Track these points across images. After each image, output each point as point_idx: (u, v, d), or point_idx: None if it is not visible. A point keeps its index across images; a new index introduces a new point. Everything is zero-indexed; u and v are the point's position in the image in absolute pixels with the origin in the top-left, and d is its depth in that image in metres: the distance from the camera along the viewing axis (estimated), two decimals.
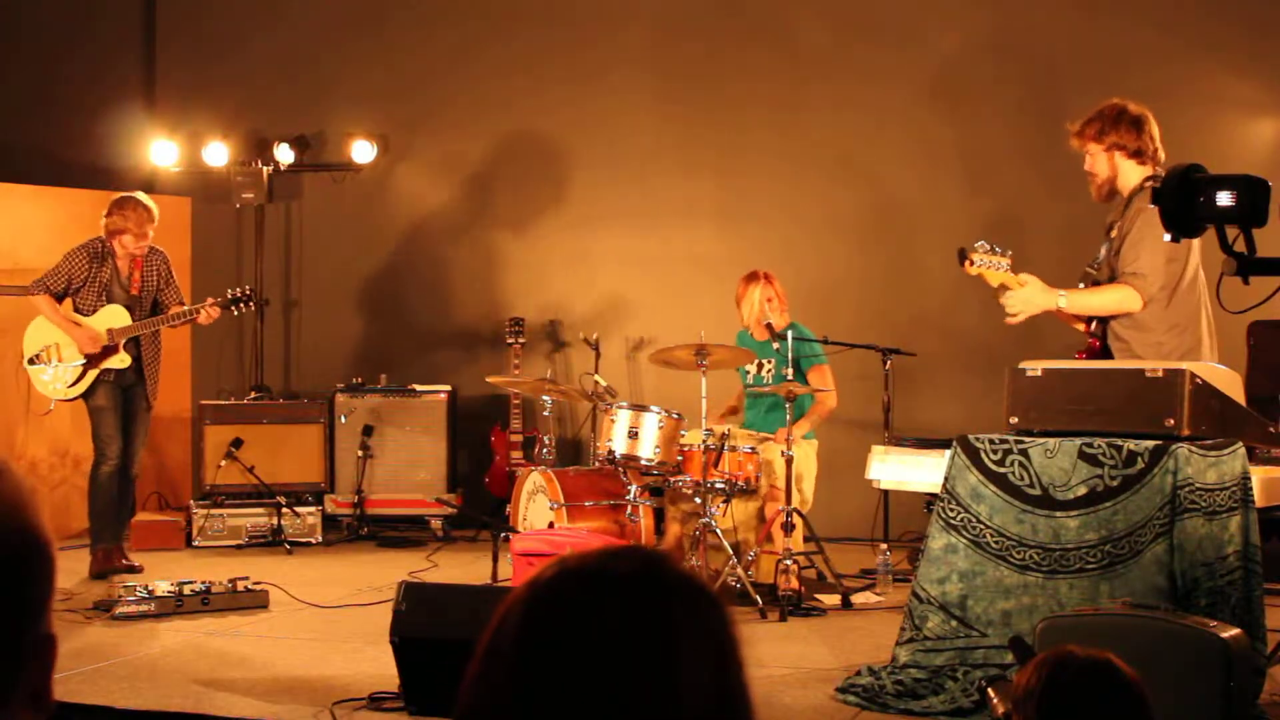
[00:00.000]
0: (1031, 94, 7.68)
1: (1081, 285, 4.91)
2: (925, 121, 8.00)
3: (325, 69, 9.00)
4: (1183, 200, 3.11)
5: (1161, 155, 4.84)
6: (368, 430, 8.11)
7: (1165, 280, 4.74)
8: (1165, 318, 4.76)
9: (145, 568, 6.65)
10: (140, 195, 6.77)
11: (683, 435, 6.12)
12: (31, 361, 6.68)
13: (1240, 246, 3.08)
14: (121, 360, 6.66)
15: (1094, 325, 4.92)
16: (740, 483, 5.98)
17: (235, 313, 7.08)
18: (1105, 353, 4.89)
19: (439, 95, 8.84)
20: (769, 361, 6.58)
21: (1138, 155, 4.80)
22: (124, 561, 6.63)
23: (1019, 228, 7.50)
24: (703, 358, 6.05)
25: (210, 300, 6.78)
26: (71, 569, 6.48)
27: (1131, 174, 4.83)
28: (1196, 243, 4.75)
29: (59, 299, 6.61)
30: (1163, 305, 4.76)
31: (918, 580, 4.48)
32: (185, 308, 6.75)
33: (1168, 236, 3.20)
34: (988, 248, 4.73)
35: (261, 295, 8.68)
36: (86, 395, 6.64)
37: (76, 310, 6.65)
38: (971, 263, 4.71)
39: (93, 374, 6.62)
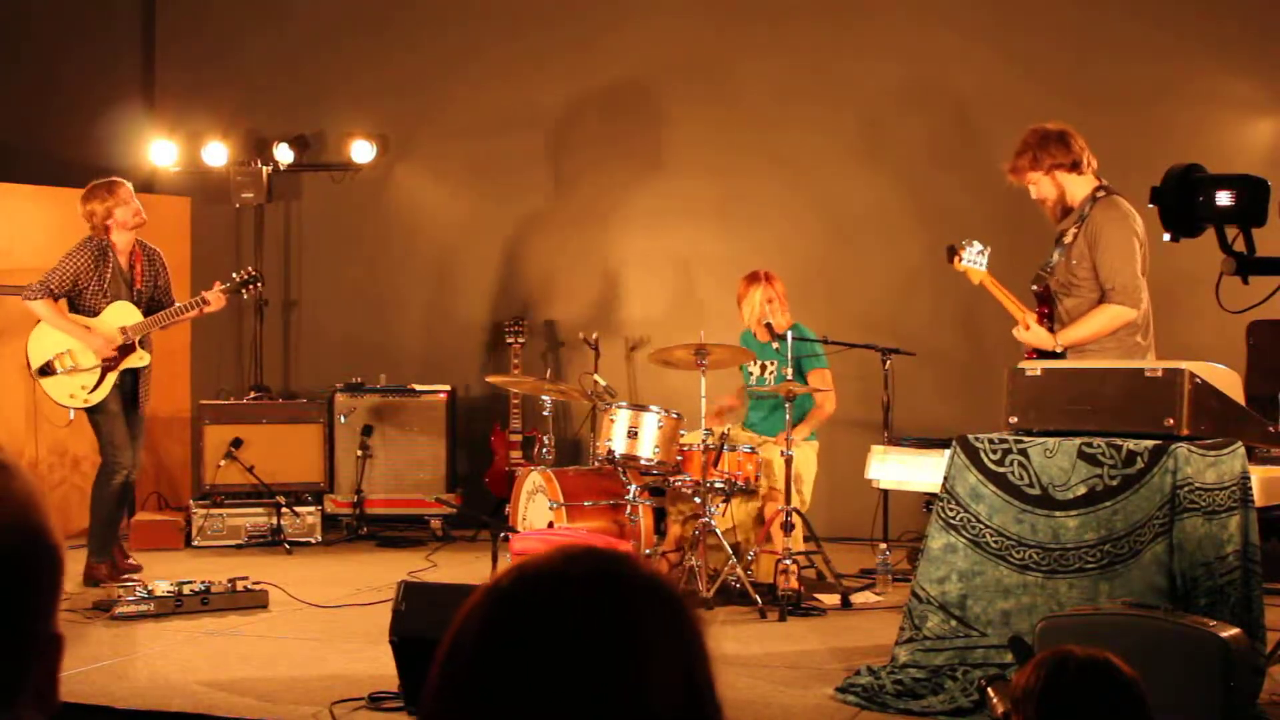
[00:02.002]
0: (1043, 94, 7.69)
1: (1034, 287, 5.17)
2: (933, 115, 8.01)
3: (325, 69, 9.00)
4: (1182, 200, 3.12)
5: (1094, 162, 5.10)
6: (367, 430, 8.11)
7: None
8: None
9: (144, 567, 6.60)
10: (105, 180, 6.40)
11: (682, 435, 6.12)
12: (43, 372, 6.28)
13: (1240, 246, 3.08)
14: (140, 358, 6.36)
15: (1045, 324, 5.13)
16: (740, 483, 5.98)
17: (244, 295, 6.87)
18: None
19: (439, 95, 8.85)
20: (771, 363, 6.58)
21: (1075, 167, 5.06)
22: (127, 562, 6.52)
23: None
24: (703, 357, 6.05)
25: (217, 285, 6.54)
26: (72, 570, 6.48)
27: (1076, 185, 5.08)
28: (1146, 245, 5.02)
29: (56, 300, 6.24)
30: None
31: (917, 580, 4.48)
32: (193, 298, 6.51)
33: (1166, 236, 3.21)
34: (971, 245, 5.10)
35: (261, 294, 8.68)
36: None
37: (79, 312, 6.29)
38: (961, 259, 5.11)
39: (112, 377, 6.29)
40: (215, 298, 6.47)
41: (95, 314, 6.33)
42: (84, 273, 6.27)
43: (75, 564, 6.54)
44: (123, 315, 6.36)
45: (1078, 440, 4.26)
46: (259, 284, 6.87)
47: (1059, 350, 5.03)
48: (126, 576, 6.23)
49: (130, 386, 6.45)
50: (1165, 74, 7.57)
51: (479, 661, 1.06)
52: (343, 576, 6.60)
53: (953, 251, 5.14)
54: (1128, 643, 3.07)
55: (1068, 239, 5.05)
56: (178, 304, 6.50)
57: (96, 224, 6.32)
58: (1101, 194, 5.03)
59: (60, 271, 6.25)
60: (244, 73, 9.10)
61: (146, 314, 6.42)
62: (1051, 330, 5.08)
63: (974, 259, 5.10)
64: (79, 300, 6.32)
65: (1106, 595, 4.04)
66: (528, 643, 1.05)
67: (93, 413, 6.35)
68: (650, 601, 1.09)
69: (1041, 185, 5.10)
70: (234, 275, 6.77)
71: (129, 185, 6.44)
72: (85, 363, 6.29)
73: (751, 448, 6.12)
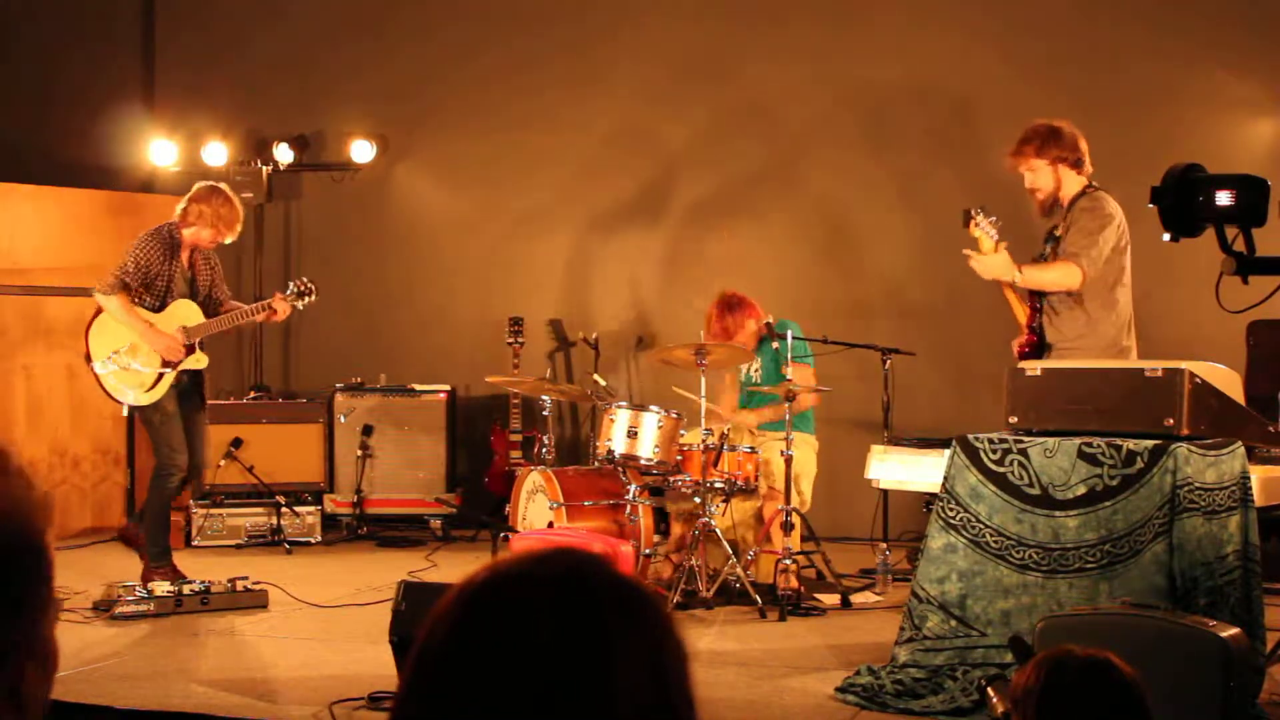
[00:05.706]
0: (1055, 90, 7.69)
1: None
2: (934, 116, 8.01)
3: (325, 69, 9.00)
4: (1182, 200, 3.12)
5: (1091, 167, 5.21)
6: (367, 430, 8.11)
7: (1107, 274, 5.08)
8: (1103, 308, 5.10)
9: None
10: (226, 190, 6.26)
11: (682, 435, 6.12)
12: (104, 362, 6.11)
13: (1240, 246, 3.08)
14: (198, 360, 6.18)
15: (1035, 320, 5.23)
16: (739, 482, 5.99)
17: (300, 306, 6.46)
18: (1043, 344, 5.20)
19: (439, 95, 8.84)
20: (757, 359, 6.61)
21: (1077, 165, 5.19)
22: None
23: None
24: (703, 357, 6.05)
25: (278, 294, 6.32)
26: (71, 569, 6.47)
27: (1073, 183, 5.20)
28: (1128, 242, 5.13)
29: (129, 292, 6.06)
30: (1103, 299, 5.10)
31: (917, 580, 4.48)
32: (257, 303, 6.34)
33: (1166, 236, 3.21)
34: (988, 216, 5.18)
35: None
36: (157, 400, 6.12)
37: (143, 305, 6.10)
38: (976, 224, 5.17)
39: (170, 376, 6.10)
40: (282, 307, 6.30)
41: (160, 309, 6.15)
42: (154, 263, 6.09)
43: (74, 564, 6.53)
44: (185, 314, 6.19)
45: (1077, 440, 4.26)
46: (314, 295, 6.49)
47: (1018, 279, 5.09)
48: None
49: (190, 387, 6.25)
50: (1165, 75, 7.57)
51: (448, 662, 1.07)
52: (343, 576, 6.60)
53: (968, 216, 5.21)
54: (1128, 643, 3.06)
55: (1058, 233, 5.18)
56: (242, 307, 6.32)
57: (189, 218, 6.13)
58: (1090, 190, 5.17)
59: (135, 263, 6.05)
60: (244, 73, 9.10)
61: (205, 313, 6.26)
62: (1040, 328, 5.18)
63: (986, 227, 5.16)
64: (145, 294, 6.13)
65: (1106, 595, 4.04)
66: (495, 644, 1.06)
67: (148, 413, 6.14)
68: (618, 603, 1.09)
69: (1040, 174, 5.21)
70: (290, 284, 6.48)
71: (240, 220, 6.28)
72: (146, 359, 6.11)
73: (751, 447, 6.13)
